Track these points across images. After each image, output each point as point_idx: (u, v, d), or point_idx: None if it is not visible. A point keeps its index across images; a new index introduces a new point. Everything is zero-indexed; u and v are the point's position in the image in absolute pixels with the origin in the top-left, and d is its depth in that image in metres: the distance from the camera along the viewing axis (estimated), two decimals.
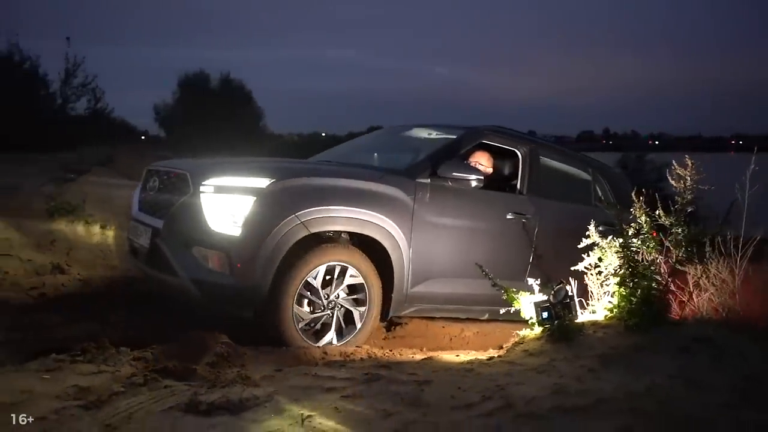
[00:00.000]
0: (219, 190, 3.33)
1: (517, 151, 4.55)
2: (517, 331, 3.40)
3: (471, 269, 3.71)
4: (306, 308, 3.51)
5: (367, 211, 3.57)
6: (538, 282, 3.38)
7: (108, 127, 17.31)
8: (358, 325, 3.66)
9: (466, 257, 3.96)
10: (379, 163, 4.64)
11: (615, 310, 3.23)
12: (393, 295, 3.74)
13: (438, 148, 4.22)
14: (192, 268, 3.32)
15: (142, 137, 25.50)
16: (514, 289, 3.39)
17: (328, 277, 3.55)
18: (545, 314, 3.21)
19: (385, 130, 5.50)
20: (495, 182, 4.59)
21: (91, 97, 16.34)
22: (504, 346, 3.44)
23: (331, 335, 3.57)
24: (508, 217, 4.21)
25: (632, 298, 3.13)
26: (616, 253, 3.23)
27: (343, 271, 3.58)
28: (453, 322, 4.51)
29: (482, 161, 4.61)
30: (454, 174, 3.89)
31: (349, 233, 3.66)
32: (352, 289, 3.67)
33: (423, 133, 4.71)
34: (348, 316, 3.66)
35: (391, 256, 3.68)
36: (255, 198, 3.29)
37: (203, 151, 11.57)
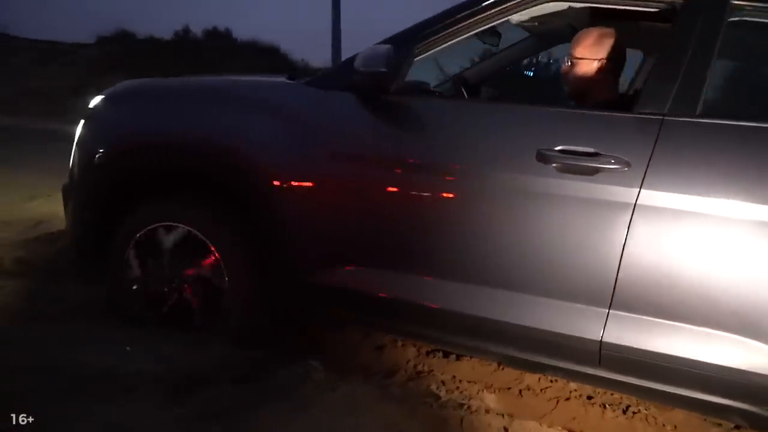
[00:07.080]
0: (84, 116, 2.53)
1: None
2: None
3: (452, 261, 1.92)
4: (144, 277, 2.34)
5: (219, 137, 2.16)
6: None
7: None
8: (216, 317, 2.24)
9: (428, 234, 1.96)
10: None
11: None
12: (271, 277, 2.18)
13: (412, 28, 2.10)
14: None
15: None
16: None
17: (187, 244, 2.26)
18: None
19: None
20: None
21: None
22: None
23: (190, 317, 2.29)
24: (550, 164, 1.75)
25: None
26: None
27: (184, 236, 2.25)
28: None
29: (587, 50, 2.10)
30: (361, 67, 1.92)
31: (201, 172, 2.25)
32: (201, 261, 2.25)
33: None
34: (208, 300, 2.26)
35: (255, 212, 2.13)
36: (84, 121, 2.45)
37: None
